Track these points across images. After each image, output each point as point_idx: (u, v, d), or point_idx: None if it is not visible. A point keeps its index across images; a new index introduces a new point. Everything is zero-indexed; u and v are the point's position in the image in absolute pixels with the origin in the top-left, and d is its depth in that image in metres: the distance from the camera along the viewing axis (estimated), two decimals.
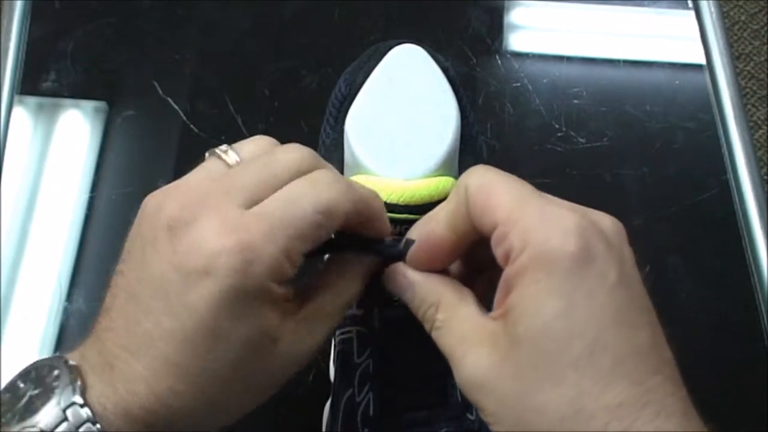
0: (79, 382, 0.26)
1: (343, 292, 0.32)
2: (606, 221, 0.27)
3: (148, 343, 0.26)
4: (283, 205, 0.27)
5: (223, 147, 0.30)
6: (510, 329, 0.25)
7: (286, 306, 0.29)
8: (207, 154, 0.30)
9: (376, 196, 0.31)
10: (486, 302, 0.29)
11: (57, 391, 0.26)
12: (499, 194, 0.27)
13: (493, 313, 0.27)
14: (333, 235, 0.30)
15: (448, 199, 0.29)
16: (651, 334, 0.25)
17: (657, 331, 0.26)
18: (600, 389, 0.24)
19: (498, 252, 0.26)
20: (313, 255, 0.30)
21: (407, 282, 0.30)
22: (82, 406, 0.25)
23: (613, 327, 0.24)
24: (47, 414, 0.25)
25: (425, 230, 0.30)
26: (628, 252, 0.27)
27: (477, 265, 0.32)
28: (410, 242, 0.30)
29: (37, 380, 0.26)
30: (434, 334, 0.29)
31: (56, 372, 0.26)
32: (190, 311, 0.26)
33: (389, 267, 0.31)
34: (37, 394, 0.26)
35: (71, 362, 0.27)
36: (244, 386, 0.29)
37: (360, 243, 0.32)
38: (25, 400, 0.26)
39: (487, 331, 0.27)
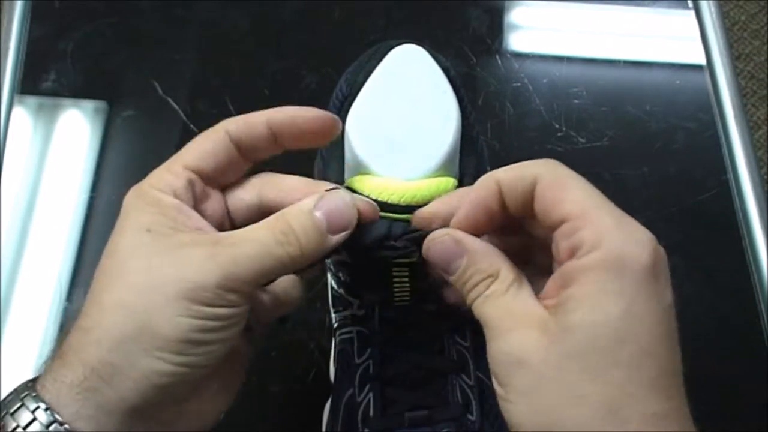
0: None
1: None
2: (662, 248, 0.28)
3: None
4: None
5: None
6: (563, 318, 0.26)
7: None
8: None
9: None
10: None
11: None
12: (573, 190, 0.27)
13: (546, 301, 0.27)
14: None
15: (476, 186, 0.29)
16: (679, 361, 0.26)
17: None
18: (640, 396, 0.25)
19: (562, 244, 0.27)
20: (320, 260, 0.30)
21: (461, 249, 0.29)
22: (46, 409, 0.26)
23: (662, 342, 0.25)
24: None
25: (458, 205, 0.30)
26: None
27: None
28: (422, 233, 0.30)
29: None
30: (479, 303, 0.28)
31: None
32: None
33: (437, 232, 0.30)
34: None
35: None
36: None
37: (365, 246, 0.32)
38: None
39: (538, 314, 0.27)
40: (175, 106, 0.54)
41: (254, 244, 0.29)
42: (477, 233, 0.30)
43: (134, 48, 0.57)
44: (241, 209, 0.33)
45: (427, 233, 0.31)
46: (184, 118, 0.54)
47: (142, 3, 0.59)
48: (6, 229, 0.50)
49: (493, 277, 0.28)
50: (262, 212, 0.32)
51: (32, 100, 0.55)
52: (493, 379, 0.28)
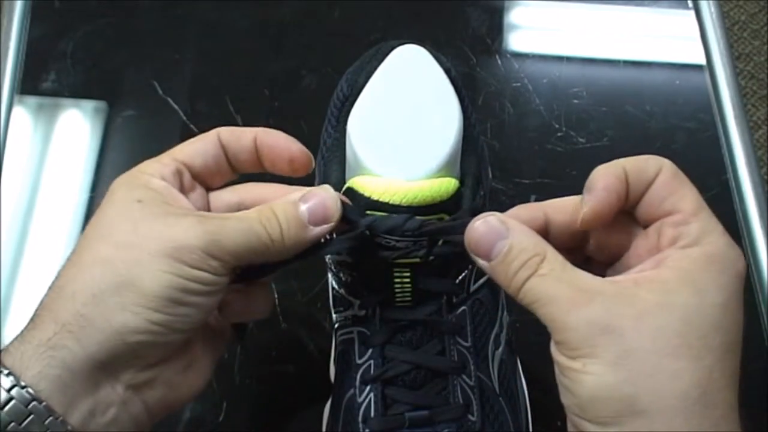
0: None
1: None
2: None
3: None
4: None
5: None
6: (661, 296, 0.26)
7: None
8: None
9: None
10: None
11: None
12: (690, 189, 0.29)
13: (631, 274, 0.28)
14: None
15: (603, 174, 0.30)
16: None
17: None
18: (723, 386, 0.26)
19: (668, 231, 0.28)
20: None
21: (505, 229, 0.29)
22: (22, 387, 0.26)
23: (739, 343, 0.28)
24: None
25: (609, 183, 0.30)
26: None
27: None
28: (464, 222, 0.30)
29: None
30: (534, 282, 0.28)
31: None
32: None
33: (479, 216, 0.30)
34: None
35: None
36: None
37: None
38: None
39: (615, 288, 0.27)
40: (175, 106, 0.54)
41: (240, 220, 0.30)
42: (605, 222, 0.30)
43: (134, 48, 0.57)
44: (221, 208, 0.34)
45: (438, 228, 0.31)
46: (184, 118, 0.54)
47: (142, 3, 0.59)
48: (6, 228, 0.50)
49: (541, 256, 0.28)
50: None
51: (32, 100, 0.55)
52: (560, 356, 0.27)
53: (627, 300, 0.26)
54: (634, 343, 0.26)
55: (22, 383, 0.27)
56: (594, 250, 0.32)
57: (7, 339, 0.29)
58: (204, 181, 0.34)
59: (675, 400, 0.25)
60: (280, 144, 0.34)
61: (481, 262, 0.30)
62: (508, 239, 0.29)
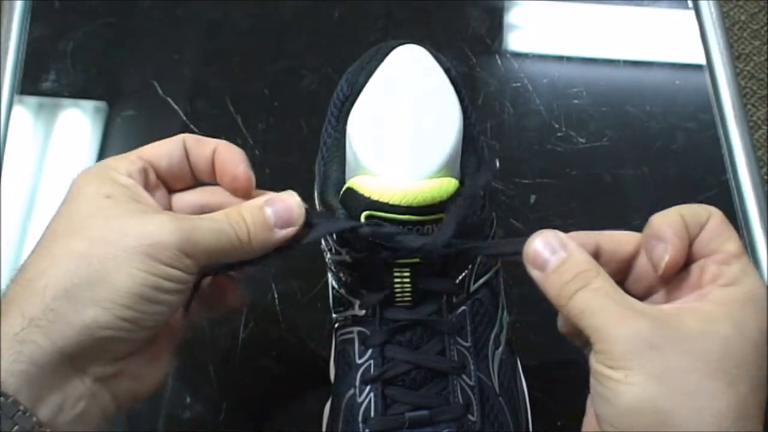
0: None
1: None
2: None
3: None
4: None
5: None
6: (704, 325, 0.28)
7: None
8: None
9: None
10: None
11: None
12: (734, 233, 0.31)
13: (676, 304, 0.30)
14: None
15: (666, 223, 0.31)
16: None
17: None
18: (752, 415, 0.27)
19: (711, 268, 0.30)
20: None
21: (561, 244, 0.31)
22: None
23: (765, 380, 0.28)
24: None
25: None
26: None
27: None
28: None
29: None
30: (585, 293, 0.29)
31: None
32: None
33: (538, 232, 0.32)
34: None
35: None
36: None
37: None
38: None
39: (661, 312, 0.29)
40: (175, 106, 0.54)
41: (211, 221, 0.31)
42: (679, 268, 0.32)
43: (134, 48, 0.57)
44: (184, 210, 0.35)
45: (468, 248, 0.33)
46: (184, 118, 0.54)
47: (142, 3, 0.59)
48: (6, 228, 0.50)
49: (594, 272, 0.30)
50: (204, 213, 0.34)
51: (32, 100, 0.55)
52: (601, 366, 0.28)
53: (672, 323, 0.28)
54: (676, 362, 0.27)
55: None
56: (631, 284, 0.33)
57: None
58: (166, 182, 0.35)
59: (711, 418, 0.27)
60: (230, 161, 0.34)
61: (535, 273, 0.31)
62: (565, 252, 0.30)
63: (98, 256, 0.29)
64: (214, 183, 0.36)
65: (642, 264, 0.33)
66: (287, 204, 0.33)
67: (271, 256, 0.33)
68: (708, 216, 0.31)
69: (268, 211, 0.33)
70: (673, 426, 0.27)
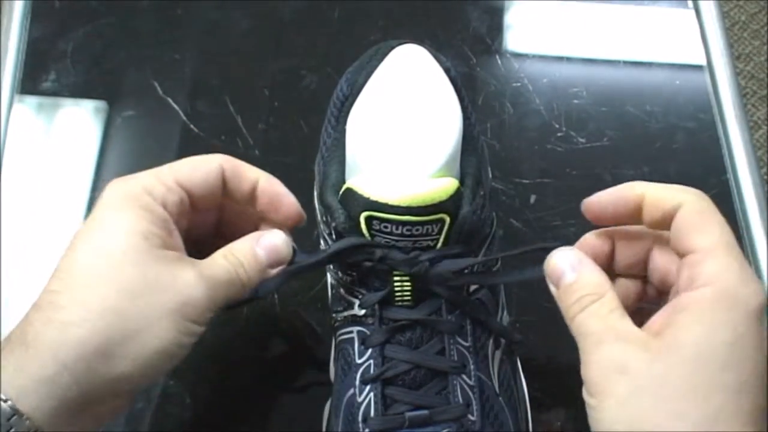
0: None
1: None
2: None
3: None
4: None
5: None
6: (670, 339, 0.28)
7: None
8: None
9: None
10: None
11: None
12: (711, 225, 0.29)
13: (648, 326, 0.29)
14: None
15: (620, 187, 0.31)
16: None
17: None
18: (740, 422, 0.26)
19: (685, 272, 0.29)
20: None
21: (576, 263, 0.32)
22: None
23: (758, 379, 0.27)
24: None
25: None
26: None
27: None
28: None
29: None
30: (583, 316, 0.30)
31: None
32: None
33: (560, 248, 0.32)
34: None
35: None
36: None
37: None
38: None
39: (641, 335, 0.29)
40: (175, 106, 0.54)
41: (222, 270, 0.33)
42: (603, 220, 0.32)
43: (134, 48, 0.57)
44: (200, 226, 0.37)
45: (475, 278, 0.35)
46: (184, 118, 0.54)
47: (142, 3, 0.59)
48: (6, 228, 0.50)
49: (599, 296, 0.30)
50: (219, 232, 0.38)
51: (32, 100, 0.55)
52: (584, 390, 0.29)
53: (644, 344, 0.28)
54: (643, 385, 0.27)
55: (24, 417, 0.28)
56: (652, 278, 0.34)
57: None
58: (195, 204, 0.36)
59: None
60: (280, 197, 0.36)
61: (552, 288, 0.32)
62: (576, 273, 0.31)
63: (134, 313, 0.30)
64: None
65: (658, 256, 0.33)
66: (276, 245, 0.35)
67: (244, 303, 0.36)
68: (677, 204, 0.30)
69: (261, 253, 0.34)
70: None
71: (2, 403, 0.28)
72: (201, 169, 0.35)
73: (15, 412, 0.28)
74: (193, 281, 0.31)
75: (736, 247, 0.29)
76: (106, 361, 0.29)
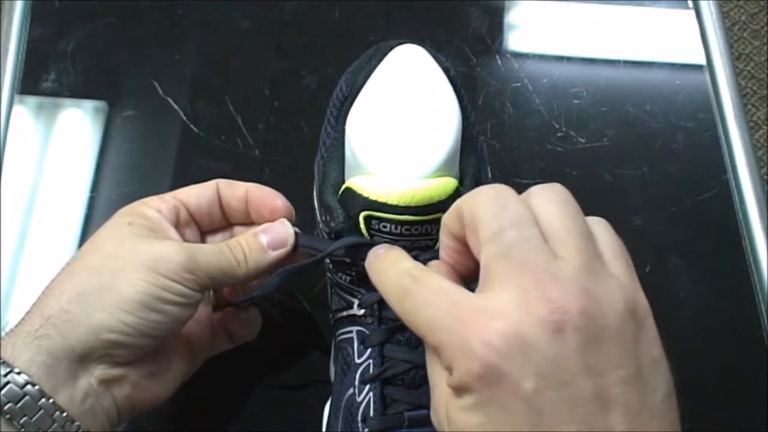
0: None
1: None
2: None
3: None
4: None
5: None
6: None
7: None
8: None
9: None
10: None
11: None
12: (476, 223, 0.28)
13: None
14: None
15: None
16: None
17: None
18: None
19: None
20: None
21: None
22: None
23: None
24: None
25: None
26: None
27: None
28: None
29: None
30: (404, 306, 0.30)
31: None
32: None
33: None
34: None
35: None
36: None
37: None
38: None
39: None
40: (175, 106, 0.54)
41: (212, 247, 0.36)
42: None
43: (134, 48, 0.57)
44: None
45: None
46: (184, 118, 0.54)
47: (142, 3, 0.59)
48: (6, 228, 0.50)
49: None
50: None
51: (32, 100, 0.55)
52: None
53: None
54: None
55: (17, 369, 0.30)
56: None
57: None
58: (199, 223, 0.39)
59: None
60: (265, 197, 0.38)
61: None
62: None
63: (108, 268, 0.33)
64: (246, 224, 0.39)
65: None
66: (278, 229, 0.37)
67: (275, 283, 0.37)
68: (461, 218, 0.29)
69: (262, 235, 0.37)
70: None
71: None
72: (196, 186, 0.39)
73: (10, 368, 0.30)
74: (169, 245, 0.34)
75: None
76: (83, 309, 0.32)
